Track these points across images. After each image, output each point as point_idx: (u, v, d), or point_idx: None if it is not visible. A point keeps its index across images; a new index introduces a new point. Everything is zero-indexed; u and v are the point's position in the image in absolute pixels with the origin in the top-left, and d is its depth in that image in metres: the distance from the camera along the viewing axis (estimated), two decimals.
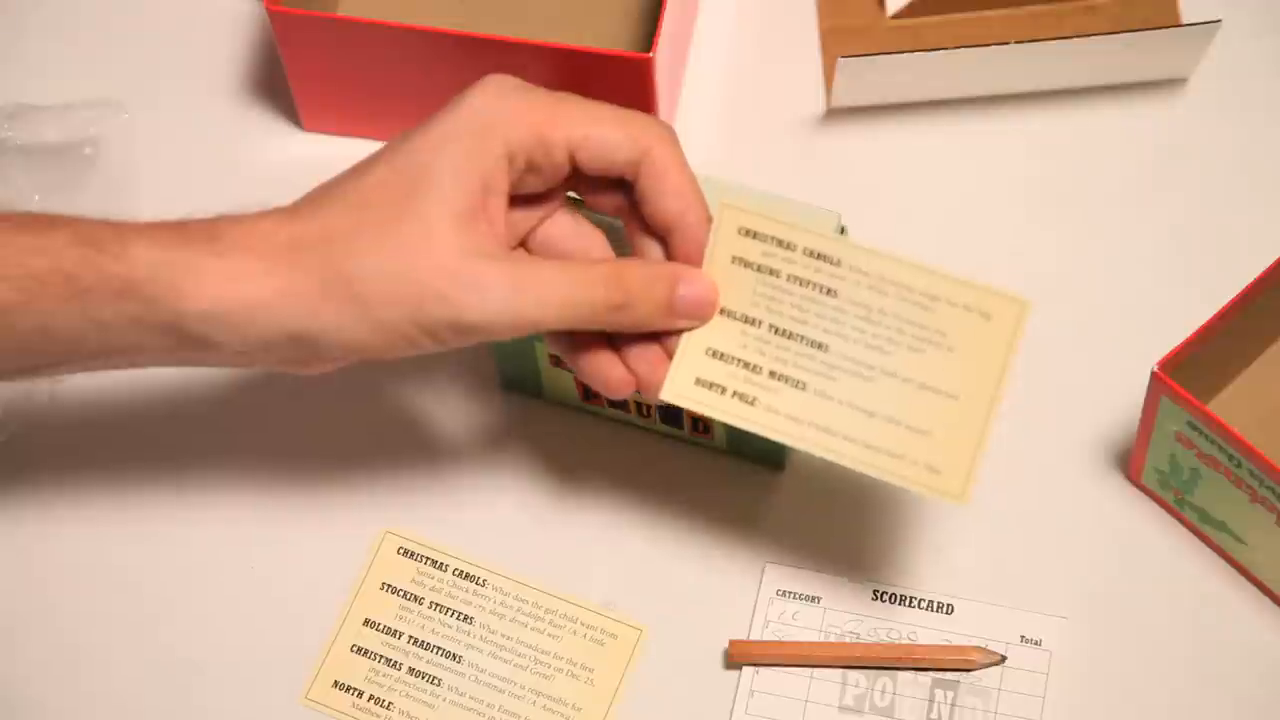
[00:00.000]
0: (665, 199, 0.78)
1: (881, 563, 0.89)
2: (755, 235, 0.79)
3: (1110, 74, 0.98)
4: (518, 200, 0.79)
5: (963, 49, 0.95)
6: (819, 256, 0.79)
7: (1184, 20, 0.99)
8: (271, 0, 0.93)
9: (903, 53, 0.95)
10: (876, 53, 0.95)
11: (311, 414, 0.93)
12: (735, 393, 0.80)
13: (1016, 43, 0.96)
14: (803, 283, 0.79)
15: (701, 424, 0.90)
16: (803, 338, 0.79)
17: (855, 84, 0.97)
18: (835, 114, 1.00)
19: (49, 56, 1.03)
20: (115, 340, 0.76)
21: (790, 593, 0.88)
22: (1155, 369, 0.83)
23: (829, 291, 0.79)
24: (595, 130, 0.77)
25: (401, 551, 0.90)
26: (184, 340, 0.76)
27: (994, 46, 0.95)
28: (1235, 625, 0.87)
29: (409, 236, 0.75)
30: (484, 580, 0.89)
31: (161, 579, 0.90)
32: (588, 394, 0.91)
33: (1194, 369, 0.84)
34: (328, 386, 0.94)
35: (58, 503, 0.92)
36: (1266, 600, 0.87)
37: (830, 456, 0.79)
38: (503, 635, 0.88)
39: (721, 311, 0.80)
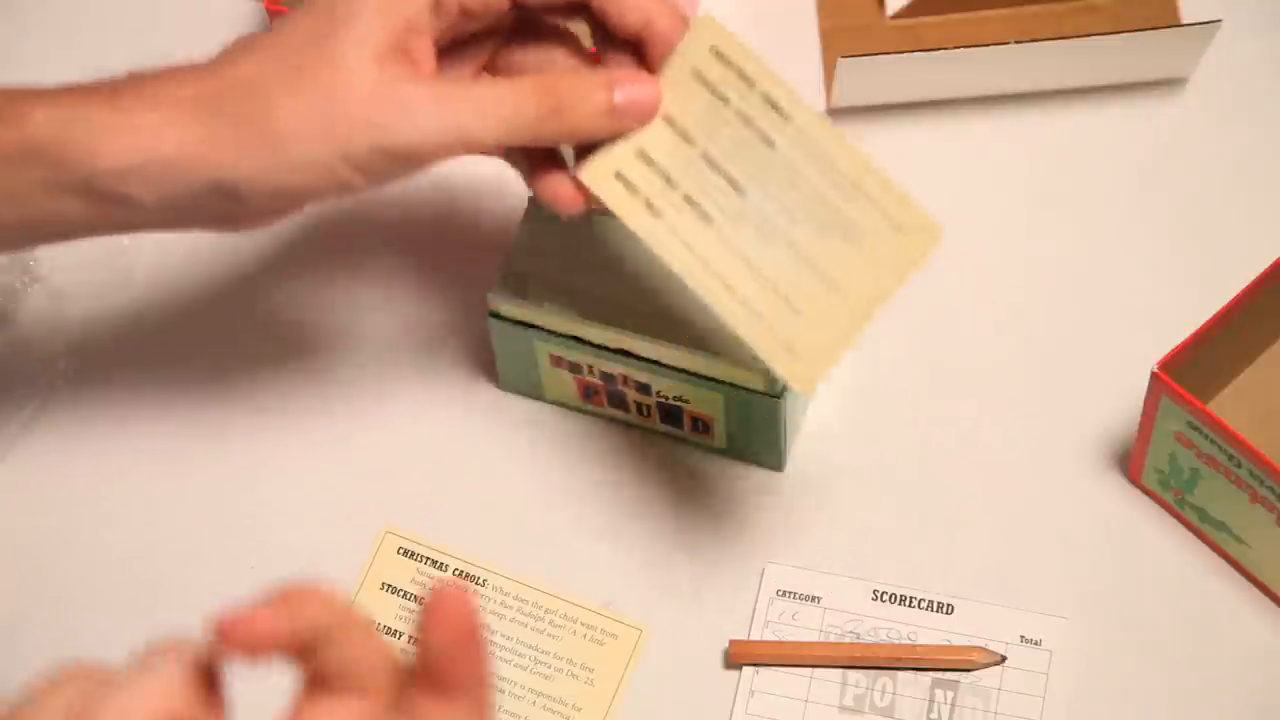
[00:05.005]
0: (625, 15, 0.77)
1: (881, 563, 0.89)
2: (723, 59, 0.78)
3: (1110, 74, 0.98)
4: (462, 44, 0.78)
5: (963, 49, 0.95)
6: (773, 104, 0.78)
7: (1184, 20, 0.99)
8: (271, 0, 0.93)
9: (903, 53, 0.95)
10: (876, 53, 0.95)
11: (313, 414, 0.93)
12: (647, 200, 0.79)
13: (1016, 43, 0.96)
14: (748, 122, 0.78)
15: (701, 424, 0.90)
16: (727, 175, 0.79)
17: (855, 84, 0.97)
18: (835, 114, 1.00)
19: (49, 57, 1.03)
20: (32, 210, 0.75)
21: (790, 593, 0.88)
22: (1155, 369, 0.83)
23: (768, 142, 0.79)
24: None
25: (401, 551, 0.90)
26: (102, 202, 0.74)
27: (994, 46, 0.95)
28: (1235, 625, 0.87)
29: (328, 74, 0.73)
30: (484, 580, 0.89)
31: (162, 578, 0.90)
32: (588, 394, 0.91)
33: (1194, 369, 0.84)
34: (330, 387, 0.94)
35: (57, 501, 0.92)
36: (1266, 600, 0.87)
37: (705, 297, 0.79)
38: (503, 635, 0.88)
39: (665, 118, 0.79)
